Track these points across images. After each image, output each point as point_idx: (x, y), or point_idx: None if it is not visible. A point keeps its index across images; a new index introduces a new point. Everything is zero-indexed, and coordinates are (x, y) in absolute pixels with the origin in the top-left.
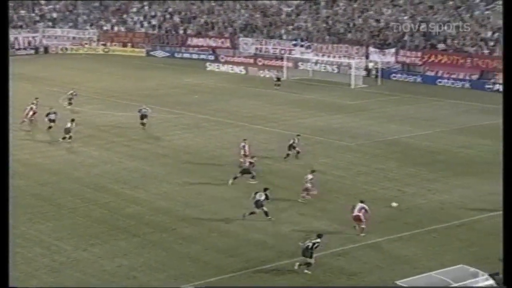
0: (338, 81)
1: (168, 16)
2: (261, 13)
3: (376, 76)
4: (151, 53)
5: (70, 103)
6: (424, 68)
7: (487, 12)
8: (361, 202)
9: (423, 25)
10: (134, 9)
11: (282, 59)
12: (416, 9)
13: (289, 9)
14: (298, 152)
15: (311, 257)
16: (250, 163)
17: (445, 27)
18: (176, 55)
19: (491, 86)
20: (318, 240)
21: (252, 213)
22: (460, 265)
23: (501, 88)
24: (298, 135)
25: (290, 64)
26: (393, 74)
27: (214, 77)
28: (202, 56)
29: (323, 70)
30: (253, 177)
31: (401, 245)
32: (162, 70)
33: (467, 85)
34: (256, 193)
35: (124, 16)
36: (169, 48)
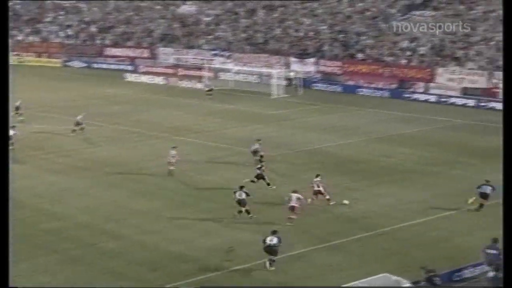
0: (259, 91)
1: (84, 25)
2: (180, 23)
3: (297, 86)
4: (68, 63)
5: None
6: (344, 78)
7: (403, 22)
8: (294, 192)
9: (341, 35)
10: (49, 19)
11: (202, 69)
12: (334, 19)
13: (209, 18)
14: (261, 156)
15: (276, 254)
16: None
17: (363, 37)
18: (93, 65)
19: (409, 95)
20: (276, 236)
21: (240, 211)
22: (384, 273)
23: (419, 97)
24: (259, 140)
25: (211, 74)
26: (314, 84)
27: (133, 87)
28: (120, 67)
29: (244, 80)
30: (268, 184)
31: (326, 255)
32: (80, 81)
33: (386, 94)
34: (234, 192)
35: (39, 25)
36: (86, 58)
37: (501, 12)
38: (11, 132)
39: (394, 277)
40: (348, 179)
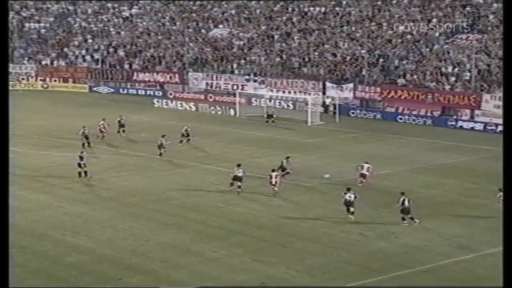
0: (294, 118)
1: (112, 50)
2: (211, 47)
3: (334, 113)
4: (94, 89)
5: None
6: (383, 104)
7: (446, 46)
8: (366, 163)
9: (381, 60)
10: (76, 43)
11: (234, 95)
12: (373, 43)
13: (241, 42)
14: (287, 173)
15: (353, 206)
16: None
17: (404, 62)
18: (121, 91)
19: (453, 123)
20: (352, 193)
21: (231, 184)
22: None
23: (464, 125)
24: (288, 157)
25: (243, 100)
26: (352, 111)
27: (162, 114)
28: (149, 92)
29: (278, 107)
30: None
31: None
32: (107, 107)
33: (428, 121)
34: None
35: (65, 49)
36: (114, 83)
37: None
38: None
39: None
40: (388, 212)
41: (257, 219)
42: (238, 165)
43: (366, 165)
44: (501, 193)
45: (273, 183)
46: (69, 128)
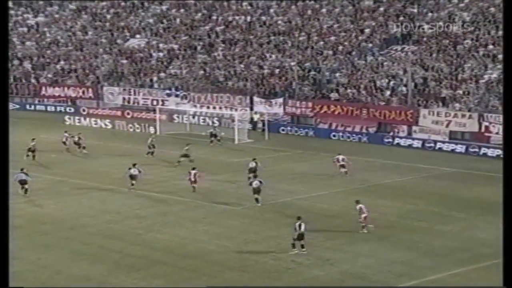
0: (220, 135)
1: (16, 62)
2: (128, 59)
3: (263, 130)
4: None
5: None
6: (316, 120)
7: (381, 58)
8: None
9: (312, 72)
10: None
11: (154, 111)
12: (303, 55)
13: (161, 54)
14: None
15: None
16: None
17: (337, 74)
18: (28, 107)
19: (390, 140)
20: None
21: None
22: None
23: (401, 142)
24: (254, 159)
25: (164, 117)
26: (282, 127)
27: (75, 132)
28: (59, 108)
29: (202, 123)
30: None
31: None
32: (12, 125)
33: (364, 138)
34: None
35: None
36: (19, 99)
37: (491, 47)
38: None
39: None
40: (323, 237)
41: (181, 247)
42: (134, 165)
43: (340, 157)
44: (360, 205)
45: (193, 179)
46: None
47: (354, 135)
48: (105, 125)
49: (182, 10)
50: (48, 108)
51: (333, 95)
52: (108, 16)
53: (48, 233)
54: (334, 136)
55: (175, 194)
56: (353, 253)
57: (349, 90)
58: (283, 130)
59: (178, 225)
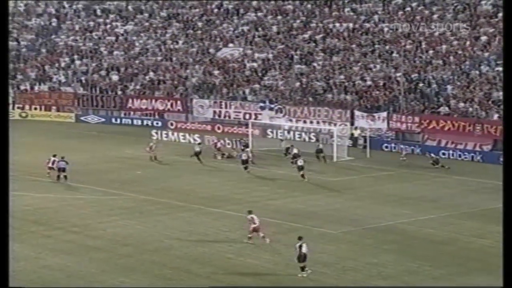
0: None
1: (103, 72)
2: (220, 69)
3: (364, 147)
4: (82, 118)
5: None
6: (423, 137)
7: (498, 68)
8: None
9: (420, 84)
10: (61, 64)
11: (246, 125)
12: (411, 65)
13: (255, 64)
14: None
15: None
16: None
17: (448, 87)
18: (113, 120)
19: None
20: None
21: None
22: None
23: None
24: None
25: (257, 132)
26: (385, 144)
27: (161, 148)
28: (146, 122)
29: (298, 139)
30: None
31: None
32: (96, 139)
33: (477, 157)
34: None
35: (47, 72)
36: (105, 112)
37: None
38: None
39: None
40: (429, 265)
41: (272, 274)
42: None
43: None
44: (252, 215)
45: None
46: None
47: (466, 153)
48: (194, 140)
49: (279, 17)
50: (135, 122)
51: (443, 109)
52: (200, 24)
53: (130, 255)
54: (443, 154)
55: (266, 215)
56: (463, 285)
57: (461, 104)
58: (386, 147)
59: (270, 249)
